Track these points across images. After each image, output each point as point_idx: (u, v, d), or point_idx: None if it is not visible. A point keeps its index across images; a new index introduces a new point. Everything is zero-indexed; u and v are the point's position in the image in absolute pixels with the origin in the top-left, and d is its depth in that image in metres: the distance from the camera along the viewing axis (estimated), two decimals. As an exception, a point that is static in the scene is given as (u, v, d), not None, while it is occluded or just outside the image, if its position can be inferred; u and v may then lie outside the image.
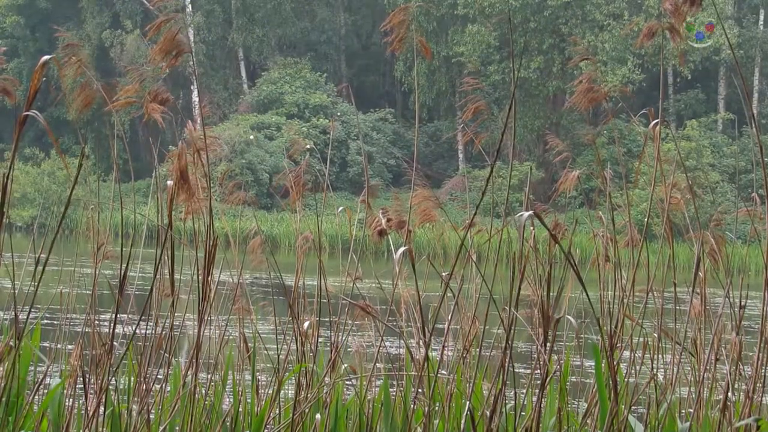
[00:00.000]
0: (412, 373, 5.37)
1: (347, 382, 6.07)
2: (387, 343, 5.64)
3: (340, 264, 5.97)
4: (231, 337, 6.10)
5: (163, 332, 5.09)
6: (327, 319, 5.65)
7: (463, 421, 5.04)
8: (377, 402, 5.46)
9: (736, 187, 42.99)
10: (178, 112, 5.11)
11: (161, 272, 4.83)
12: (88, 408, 4.82)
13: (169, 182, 4.41)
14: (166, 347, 5.12)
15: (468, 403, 4.70)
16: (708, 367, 5.16)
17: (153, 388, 5.18)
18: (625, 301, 4.90)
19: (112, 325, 4.56)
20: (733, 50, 5.72)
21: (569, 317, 4.71)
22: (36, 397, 5.03)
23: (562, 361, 5.43)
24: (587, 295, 4.49)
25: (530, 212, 4.15)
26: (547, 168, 47.65)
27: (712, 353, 5.15)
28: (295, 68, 57.05)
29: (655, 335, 5.38)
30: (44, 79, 3.81)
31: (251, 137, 50.44)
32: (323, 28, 59.90)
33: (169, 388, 5.53)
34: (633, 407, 4.89)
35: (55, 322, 6.66)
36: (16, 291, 4.60)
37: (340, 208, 6.34)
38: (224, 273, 5.65)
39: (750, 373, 5.10)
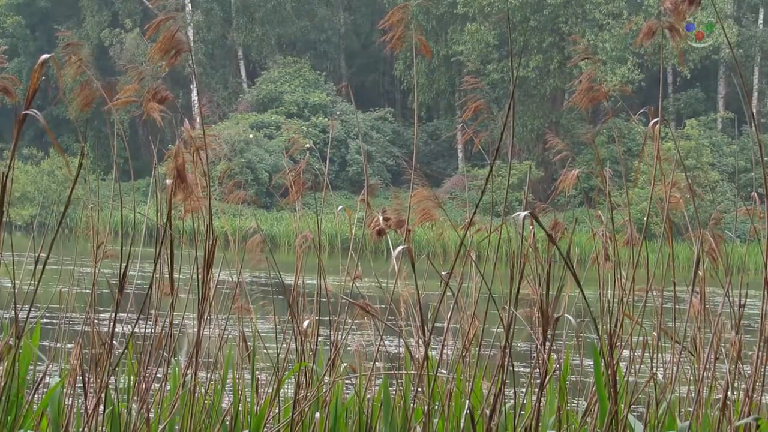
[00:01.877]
0: (412, 372, 5.37)
1: (347, 381, 6.07)
2: (386, 342, 5.64)
3: (340, 263, 5.97)
4: (230, 336, 6.10)
5: (163, 331, 5.09)
6: (326, 318, 5.65)
7: (462, 420, 5.05)
8: (377, 401, 5.46)
9: (736, 186, 42.99)
10: (177, 111, 5.11)
11: (161, 271, 4.83)
12: (88, 407, 4.82)
13: (168, 181, 4.41)
14: (165, 346, 5.13)
15: (467, 402, 4.71)
16: (707, 366, 5.16)
17: (152, 387, 5.18)
18: (625, 300, 4.90)
19: (111, 324, 4.56)
20: (732, 49, 5.73)
21: (568, 316, 4.72)
22: (35, 395, 5.03)
23: (561, 360, 5.43)
24: (584, 295, 4.50)
25: (526, 212, 4.15)
26: (546, 167, 47.65)
27: (711, 352, 5.15)
28: (295, 67, 57.06)
29: (655, 334, 5.38)
30: (44, 78, 3.81)
31: (251, 136, 50.44)
32: (323, 27, 59.89)
33: (168, 387, 5.53)
34: (632, 406, 4.90)
35: (55, 321, 6.66)
36: (16, 290, 4.60)
37: (340, 207, 6.34)
38: (224, 272, 5.65)
39: (749, 372, 5.10)
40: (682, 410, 5.76)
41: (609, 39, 48.34)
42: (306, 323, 5.43)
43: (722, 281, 5.22)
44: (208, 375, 5.57)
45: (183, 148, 4.41)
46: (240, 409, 5.52)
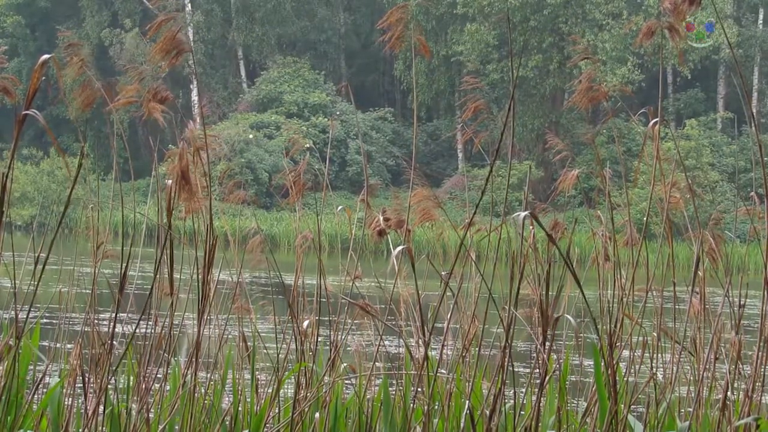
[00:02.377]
0: (412, 372, 5.37)
1: (347, 381, 6.07)
2: (386, 342, 5.64)
3: (340, 263, 5.97)
4: (230, 336, 6.10)
5: (163, 331, 5.09)
6: (326, 318, 5.65)
7: (462, 420, 5.05)
8: (377, 401, 5.46)
9: (736, 186, 43.00)
10: (177, 111, 5.11)
11: (161, 271, 4.83)
12: (88, 407, 4.82)
13: (169, 181, 4.41)
14: (165, 346, 5.13)
15: (467, 402, 4.71)
16: (707, 366, 5.16)
17: (152, 388, 5.18)
18: (625, 300, 4.90)
19: (111, 324, 4.56)
20: (732, 49, 5.73)
21: (568, 316, 4.72)
22: (35, 396, 5.03)
23: (561, 360, 5.44)
24: (584, 295, 4.50)
25: (526, 213, 4.15)
26: (546, 167, 47.66)
27: (711, 352, 5.15)
28: (295, 67, 57.06)
29: (655, 334, 5.38)
30: (44, 78, 3.81)
31: (250, 136, 50.44)
32: (323, 28, 59.89)
33: (168, 388, 5.53)
34: (632, 406, 4.90)
35: (55, 321, 6.66)
36: (16, 290, 4.60)
37: (340, 207, 6.34)
38: (224, 272, 5.65)
39: (749, 372, 5.10)
40: (682, 410, 5.76)
41: (609, 39, 48.35)
42: (306, 323, 5.43)
43: (722, 281, 5.22)
44: (208, 375, 5.57)
45: (186, 149, 4.41)
46: (240, 409, 5.52)
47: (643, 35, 4.87)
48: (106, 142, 53.16)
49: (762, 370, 4.94)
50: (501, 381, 4.53)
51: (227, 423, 5.39)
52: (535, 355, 4.67)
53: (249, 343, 5.96)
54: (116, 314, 4.53)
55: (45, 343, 6.68)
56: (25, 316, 4.49)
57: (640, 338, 5.24)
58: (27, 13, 60.65)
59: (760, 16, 54.29)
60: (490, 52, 51.29)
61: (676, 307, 5.34)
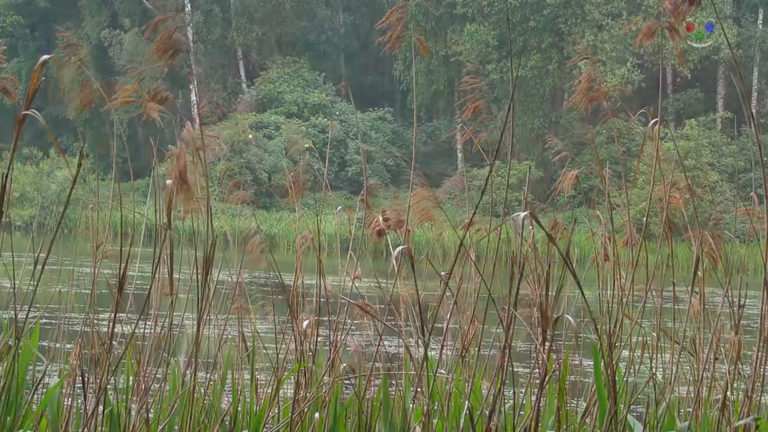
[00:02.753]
0: (411, 372, 5.37)
1: (346, 382, 6.07)
2: (386, 343, 5.64)
3: (339, 263, 5.97)
4: (230, 337, 6.10)
5: (162, 331, 5.09)
6: (326, 318, 5.65)
7: (462, 421, 5.04)
8: (376, 401, 5.46)
9: (735, 186, 43.00)
10: (177, 111, 5.11)
11: (160, 271, 4.83)
12: (87, 407, 4.82)
13: (168, 181, 4.41)
14: (165, 346, 5.12)
15: (467, 402, 4.71)
16: (707, 367, 5.16)
17: (152, 388, 5.18)
18: (624, 300, 4.90)
19: (111, 324, 4.56)
20: (732, 49, 5.73)
21: (568, 316, 4.71)
22: (35, 396, 5.03)
23: (561, 361, 5.43)
24: (583, 295, 4.49)
25: (526, 213, 4.15)
26: (546, 167, 47.64)
27: (711, 352, 5.15)
28: (294, 67, 57.07)
29: (654, 334, 5.38)
30: (43, 78, 3.81)
31: (250, 136, 50.44)
32: (322, 28, 59.90)
33: (168, 388, 5.53)
34: (632, 406, 4.90)
35: (54, 322, 6.66)
36: (16, 290, 4.60)
37: (339, 207, 6.34)
38: (223, 272, 5.65)
39: (749, 372, 5.10)
40: (682, 410, 5.76)
41: (608, 39, 48.35)
42: (305, 323, 5.43)
43: (722, 281, 5.22)
44: (208, 375, 5.57)
45: (184, 149, 4.41)
46: (239, 409, 5.52)
47: (643, 35, 4.87)
48: (106, 142, 53.11)
49: (762, 370, 4.94)
50: (500, 381, 4.53)
51: (227, 423, 5.39)
52: (534, 355, 4.67)
53: (248, 343, 5.96)
54: (115, 314, 4.53)
55: (45, 343, 6.68)
56: (24, 316, 4.49)
57: (640, 338, 5.24)
58: (27, 12, 60.64)
59: (760, 16, 54.28)
60: (489, 52, 51.28)
61: (676, 307, 5.34)
